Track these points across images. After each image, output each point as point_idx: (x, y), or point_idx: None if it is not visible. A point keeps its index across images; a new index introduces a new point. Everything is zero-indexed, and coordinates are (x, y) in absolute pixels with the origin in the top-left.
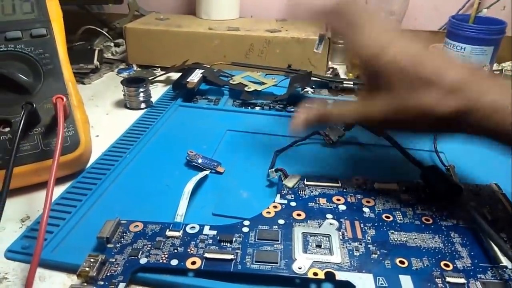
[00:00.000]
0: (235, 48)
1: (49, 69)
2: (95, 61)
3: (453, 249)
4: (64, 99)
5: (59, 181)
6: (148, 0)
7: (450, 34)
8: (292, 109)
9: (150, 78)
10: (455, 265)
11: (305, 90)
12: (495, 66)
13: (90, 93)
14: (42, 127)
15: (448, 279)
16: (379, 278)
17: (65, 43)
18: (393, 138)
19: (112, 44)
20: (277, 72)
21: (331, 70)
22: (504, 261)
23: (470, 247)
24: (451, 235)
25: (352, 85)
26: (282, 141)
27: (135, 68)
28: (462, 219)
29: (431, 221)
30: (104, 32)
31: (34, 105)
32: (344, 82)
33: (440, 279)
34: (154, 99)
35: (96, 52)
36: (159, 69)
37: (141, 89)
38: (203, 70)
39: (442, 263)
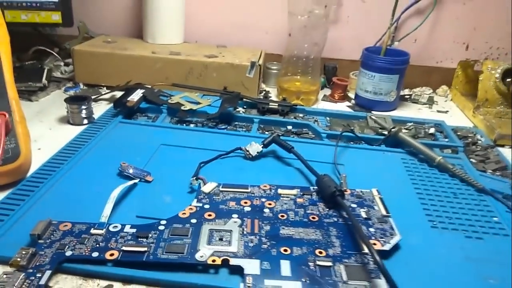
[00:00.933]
0: (176, 71)
1: None
2: (44, 80)
3: (328, 240)
4: (7, 116)
5: (1, 188)
6: (98, 23)
7: (363, 64)
8: (223, 127)
9: (94, 97)
10: (327, 253)
11: (237, 110)
12: (406, 91)
13: (36, 110)
14: None
15: (318, 262)
16: (264, 263)
17: (11, 64)
18: (299, 154)
19: (62, 64)
20: (213, 93)
21: (263, 92)
22: (366, 249)
23: (343, 239)
24: (330, 229)
25: (276, 107)
26: (209, 155)
27: (81, 86)
28: (341, 217)
29: (316, 219)
30: (53, 53)
31: None
32: (270, 103)
33: (312, 263)
34: (96, 115)
35: (45, 71)
36: (104, 88)
37: (83, 106)
38: (144, 90)
39: (317, 251)
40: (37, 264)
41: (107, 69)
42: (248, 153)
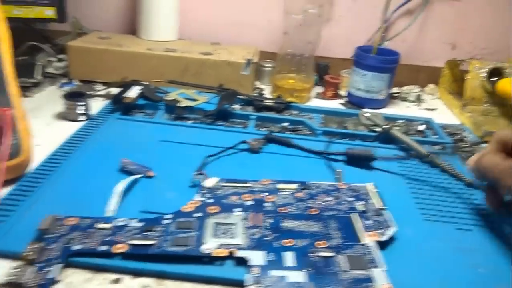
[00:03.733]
0: (172, 68)
1: None
2: (39, 76)
3: (328, 232)
4: (12, 111)
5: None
6: (91, 19)
7: (356, 62)
8: (221, 123)
9: (89, 93)
10: (328, 244)
11: (233, 107)
12: (395, 89)
13: (32, 106)
14: None
15: (321, 253)
16: (268, 254)
17: (11, 60)
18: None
19: (55, 59)
20: (210, 90)
21: (258, 90)
22: (364, 240)
23: (342, 231)
24: (330, 222)
25: (272, 104)
26: (209, 151)
27: (76, 82)
28: (340, 210)
29: (316, 212)
30: (46, 48)
31: None
32: (265, 101)
33: (314, 254)
34: (93, 112)
35: (38, 67)
36: (99, 84)
37: (81, 103)
38: (141, 87)
39: (318, 242)
40: (47, 258)
41: (102, 65)
42: (253, 145)
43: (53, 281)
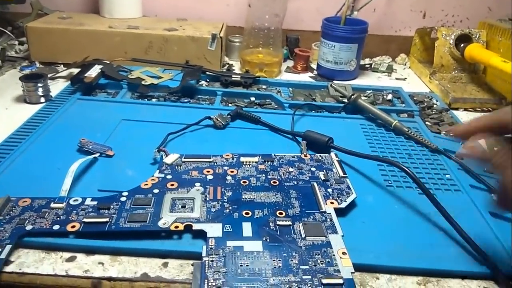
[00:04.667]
0: (135, 45)
1: None
2: None
3: (288, 202)
4: None
5: None
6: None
7: (324, 34)
8: (186, 100)
9: (51, 75)
10: (287, 213)
11: (200, 83)
12: (367, 61)
13: None
14: None
15: (278, 222)
16: (226, 226)
17: None
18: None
19: (16, 43)
20: (175, 68)
21: (226, 65)
22: (324, 207)
23: (302, 199)
24: (290, 192)
25: (239, 79)
26: (173, 128)
27: (37, 65)
28: (301, 180)
29: (277, 183)
30: (6, 31)
31: None
32: (233, 76)
33: (273, 223)
34: (54, 93)
35: None
36: (61, 65)
37: (39, 84)
38: (102, 66)
39: (277, 212)
40: None
41: (63, 45)
42: (218, 121)
43: (4, 262)
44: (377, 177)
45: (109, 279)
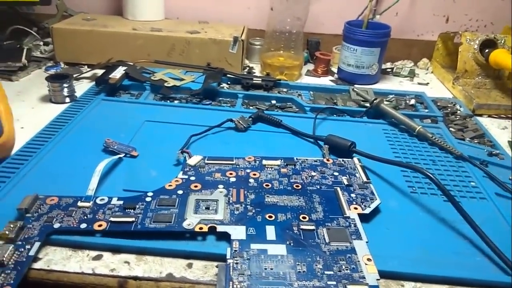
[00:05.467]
0: (158, 48)
1: None
2: (23, 59)
3: (311, 206)
4: None
5: None
6: (76, 1)
7: (345, 37)
8: (208, 103)
9: (76, 75)
10: (310, 217)
11: (221, 85)
12: (388, 65)
13: (18, 89)
14: None
15: (302, 227)
16: (250, 228)
17: None
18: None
19: (41, 43)
20: (197, 70)
21: (247, 68)
22: (348, 213)
23: (325, 204)
24: (313, 196)
25: (260, 82)
26: (195, 130)
27: (62, 65)
28: (324, 185)
29: (300, 187)
30: (32, 32)
31: None
32: (254, 79)
33: (296, 227)
34: (78, 94)
35: (24, 50)
36: (85, 66)
37: (65, 85)
38: (126, 67)
39: (300, 216)
40: (26, 236)
41: (88, 47)
42: (240, 123)
43: (33, 259)
44: (401, 183)
45: (135, 278)
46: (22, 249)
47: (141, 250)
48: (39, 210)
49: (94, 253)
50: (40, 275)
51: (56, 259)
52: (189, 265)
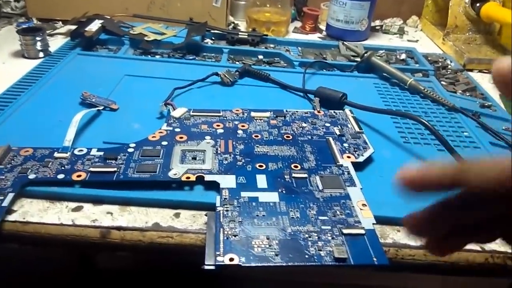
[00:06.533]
0: (137, 1)
1: None
2: None
3: (303, 155)
4: None
5: None
6: None
7: None
8: (191, 57)
9: (49, 31)
10: (302, 166)
11: (205, 41)
12: (377, 22)
13: None
14: None
15: (294, 175)
16: (239, 177)
17: None
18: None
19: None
20: (178, 25)
21: (232, 24)
22: (341, 161)
23: (317, 154)
24: (305, 146)
25: (246, 37)
26: (178, 84)
27: (35, 21)
28: (316, 135)
29: (291, 137)
30: None
31: None
32: (240, 33)
33: (288, 176)
34: (53, 49)
35: None
36: (60, 22)
37: (38, 38)
38: (102, 21)
39: (292, 165)
40: None
41: (62, 0)
42: (226, 77)
43: (6, 210)
44: (394, 133)
45: (119, 228)
46: None
47: (125, 201)
48: (12, 161)
49: (73, 205)
50: (15, 227)
51: (33, 211)
52: (177, 215)
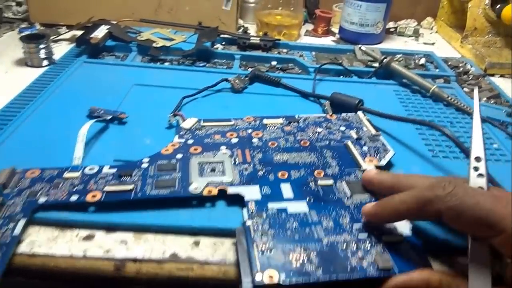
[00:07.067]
0: (143, 5)
1: None
2: None
3: (324, 161)
4: None
5: None
6: None
7: None
8: (201, 64)
9: (53, 37)
10: (325, 172)
11: (215, 46)
12: (391, 24)
13: None
14: None
15: (319, 182)
16: (263, 187)
17: None
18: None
19: (13, 3)
20: (187, 30)
21: (241, 28)
22: (364, 165)
23: (338, 159)
24: (324, 151)
25: (258, 42)
26: (189, 93)
27: (38, 27)
28: (333, 140)
29: (308, 143)
30: None
31: None
32: (251, 38)
33: (313, 183)
34: (57, 56)
35: None
36: (63, 27)
37: (41, 45)
38: (109, 26)
39: (315, 172)
40: (8, 214)
41: (66, 5)
42: (236, 83)
43: (17, 240)
44: (420, 146)
45: (135, 260)
46: (6, 228)
47: (140, 228)
48: (18, 184)
49: (84, 233)
50: (22, 260)
51: (41, 241)
52: (196, 243)
